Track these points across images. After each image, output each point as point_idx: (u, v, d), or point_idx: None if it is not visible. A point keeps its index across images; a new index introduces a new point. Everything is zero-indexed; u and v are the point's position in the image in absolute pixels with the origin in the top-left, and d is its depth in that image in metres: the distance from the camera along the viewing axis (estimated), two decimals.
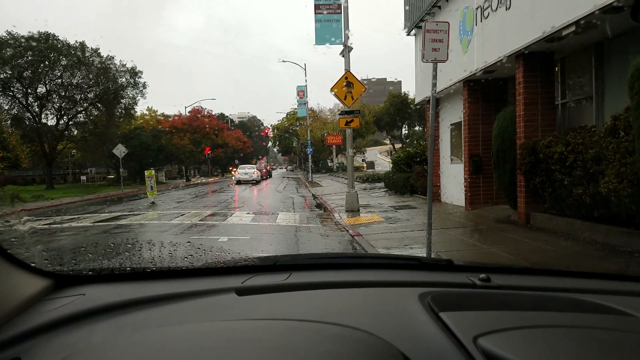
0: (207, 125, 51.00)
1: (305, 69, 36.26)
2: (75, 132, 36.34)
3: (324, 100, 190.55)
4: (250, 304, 1.14)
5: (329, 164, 63.32)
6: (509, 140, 9.01)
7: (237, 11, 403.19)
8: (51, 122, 33.50)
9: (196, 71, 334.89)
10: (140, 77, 35.78)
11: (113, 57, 34.14)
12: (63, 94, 32.64)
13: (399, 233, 8.58)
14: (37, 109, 32.34)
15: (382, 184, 21.61)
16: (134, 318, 1.05)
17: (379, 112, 44.25)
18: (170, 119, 48.87)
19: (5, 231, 1.23)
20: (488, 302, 1.17)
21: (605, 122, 6.64)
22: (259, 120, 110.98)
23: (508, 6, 8.70)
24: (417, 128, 46.47)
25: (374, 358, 0.82)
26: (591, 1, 6.33)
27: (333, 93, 11.77)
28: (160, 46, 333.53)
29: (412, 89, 19.74)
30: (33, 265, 1.18)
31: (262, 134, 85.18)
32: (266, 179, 44.87)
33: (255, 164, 54.37)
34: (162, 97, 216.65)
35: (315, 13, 13.46)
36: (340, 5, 13.16)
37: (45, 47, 30.71)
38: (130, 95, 35.99)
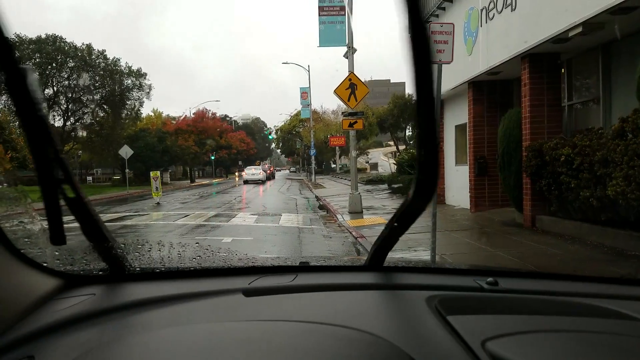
0: (211, 127, 51.41)
1: (308, 71, 36.37)
2: (82, 134, 36.59)
3: (327, 102, 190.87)
4: (257, 305, 1.14)
5: (332, 166, 63.33)
6: (514, 142, 8.94)
7: (241, 13, 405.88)
8: (58, 123, 33.75)
9: (200, 74, 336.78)
10: (145, 79, 36.05)
11: (119, 60, 34.43)
12: (70, 95, 32.92)
13: (402, 235, 8.53)
14: (44, 111, 32.55)
15: (385, 186, 21.56)
16: (144, 318, 1.06)
17: (382, 113, 44.18)
18: (174, 122, 49.19)
19: (19, 231, 1.23)
20: (496, 305, 1.16)
21: (613, 124, 6.57)
22: (263, 122, 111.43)
23: (513, 7, 8.65)
24: None
25: None
26: (599, 2, 6.27)
27: (336, 95, 11.73)
28: (164, 49, 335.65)
29: None
30: (45, 264, 1.19)
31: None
32: (270, 179, 45.80)
33: (259, 165, 56.02)
34: (167, 99, 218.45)
35: (319, 15, 13.47)
36: (344, 7, 13.15)
37: (52, 49, 31.05)
38: (136, 97, 36.26)
